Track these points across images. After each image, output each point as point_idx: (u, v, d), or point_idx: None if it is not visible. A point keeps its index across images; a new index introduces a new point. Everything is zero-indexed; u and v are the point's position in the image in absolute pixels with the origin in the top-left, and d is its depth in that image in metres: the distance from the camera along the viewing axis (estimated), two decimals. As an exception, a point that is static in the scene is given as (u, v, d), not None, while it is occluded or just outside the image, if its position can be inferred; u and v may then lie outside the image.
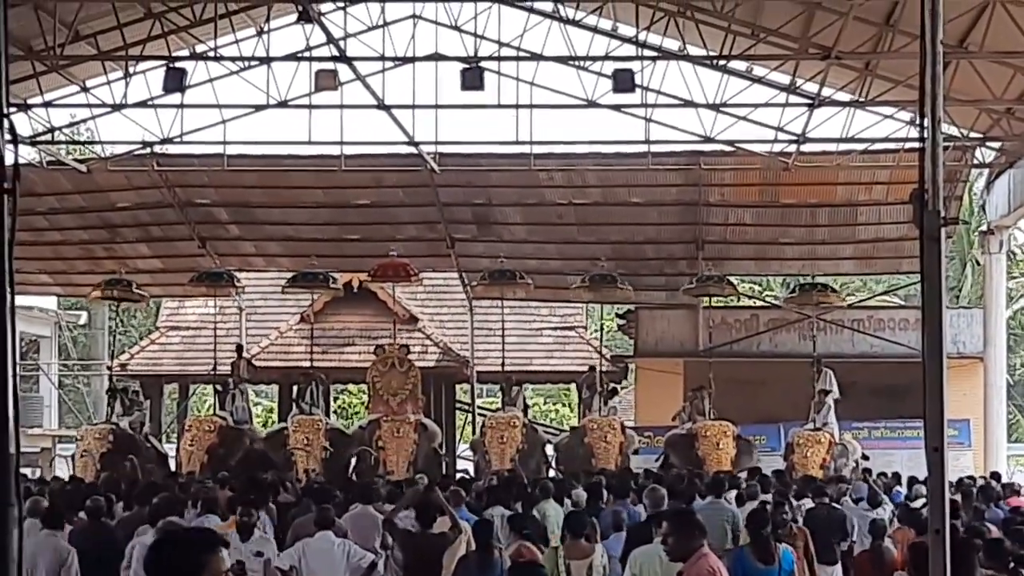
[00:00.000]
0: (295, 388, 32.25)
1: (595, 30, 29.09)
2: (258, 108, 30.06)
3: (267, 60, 28.25)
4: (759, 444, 31.29)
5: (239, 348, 32.19)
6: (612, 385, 32.19)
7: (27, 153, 31.77)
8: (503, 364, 32.11)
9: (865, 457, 28.16)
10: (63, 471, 32.75)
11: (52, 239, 34.31)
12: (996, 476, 25.11)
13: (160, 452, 30.98)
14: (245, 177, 32.54)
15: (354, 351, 35.72)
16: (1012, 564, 10.91)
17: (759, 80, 29.28)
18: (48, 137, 31.30)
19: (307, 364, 32.14)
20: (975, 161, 31.71)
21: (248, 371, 31.35)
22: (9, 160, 5.00)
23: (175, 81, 26.05)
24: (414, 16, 29.46)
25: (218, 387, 31.39)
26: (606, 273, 31.11)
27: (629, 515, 16.80)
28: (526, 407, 31.84)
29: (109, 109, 29.73)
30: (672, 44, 28.38)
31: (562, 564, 13.76)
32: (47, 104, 29.63)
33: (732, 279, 32.73)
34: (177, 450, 30.90)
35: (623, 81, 25.55)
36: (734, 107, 29.25)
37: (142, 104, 29.46)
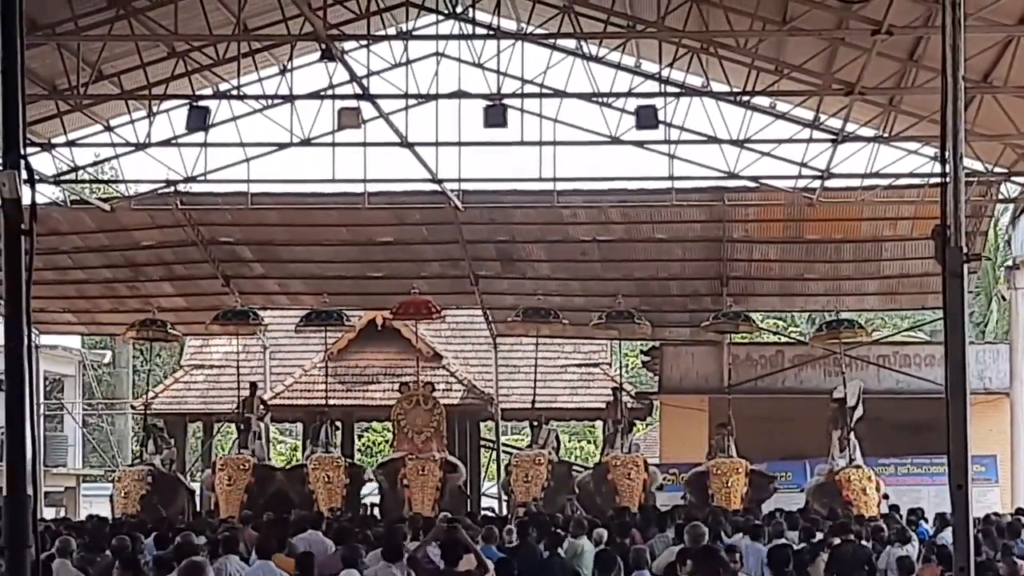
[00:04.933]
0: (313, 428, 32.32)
1: (618, 67, 29.13)
2: (281, 146, 30.16)
3: (290, 98, 28.34)
4: (785, 480, 31.11)
5: (252, 386, 32.16)
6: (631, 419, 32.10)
7: (51, 192, 31.93)
8: (534, 402, 32.20)
9: (886, 496, 27.96)
10: (88, 511, 32.74)
11: (76, 278, 34.39)
12: (1022, 511, 24.93)
13: (190, 491, 31.11)
14: (269, 215, 32.57)
15: (378, 389, 35.72)
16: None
17: (783, 116, 29.24)
18: (72, 176, 31.38)
19: (331, 403, 32.18)
20: (1000, 196, 31.55)
21: (260, 409, 31.31)
22: (27, 201, 4.99)
23: (198, 120, 26.13)
24: (437, 54, 29.55)
25: (240, 425, 31.40)
26: (623, 309, 31.08)
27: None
28: (558, 445, 31.79)
29: (133, 148, 29.81)
30: (695, 80, 28.39)
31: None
32: (71, 143, 29.75)
33: (756, 315, 32.54)
34: (208, 488, 30.94)
35: (646, 117, 25.53)
36: (758, 143, 29.19)
37: (166, 143, 29.57)
